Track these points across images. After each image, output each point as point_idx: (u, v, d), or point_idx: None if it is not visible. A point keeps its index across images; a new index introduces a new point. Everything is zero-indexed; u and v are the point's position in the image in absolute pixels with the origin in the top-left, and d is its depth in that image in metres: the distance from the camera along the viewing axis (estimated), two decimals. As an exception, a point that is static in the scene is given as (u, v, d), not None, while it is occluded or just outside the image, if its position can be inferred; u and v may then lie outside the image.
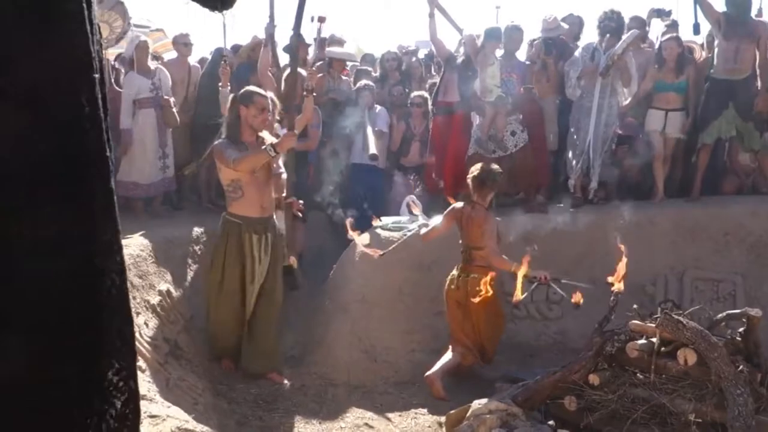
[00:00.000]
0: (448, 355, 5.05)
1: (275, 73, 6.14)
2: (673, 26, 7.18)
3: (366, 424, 4.48)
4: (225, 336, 4.96)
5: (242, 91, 4.85)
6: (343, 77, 7.89)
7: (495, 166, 5.33)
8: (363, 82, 7.35)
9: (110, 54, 6.87)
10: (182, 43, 7.02)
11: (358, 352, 5.25)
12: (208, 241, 5.80)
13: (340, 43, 8.05)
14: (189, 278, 5.52)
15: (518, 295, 4.44)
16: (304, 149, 6.47)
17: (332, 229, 6.74)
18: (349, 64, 8.27)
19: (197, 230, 5.90)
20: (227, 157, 4.59)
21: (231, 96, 4.84)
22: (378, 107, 7.25)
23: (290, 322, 5.83)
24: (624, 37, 6.55)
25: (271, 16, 6.28)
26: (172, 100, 6.47)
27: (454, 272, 5.17)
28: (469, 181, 5.23)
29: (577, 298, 4.19)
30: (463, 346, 5.05)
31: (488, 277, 4.71)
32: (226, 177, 4.74)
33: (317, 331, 5.49)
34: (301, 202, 5.57)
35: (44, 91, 1.32)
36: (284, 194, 5.35)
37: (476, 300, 4.66)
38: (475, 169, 5.22)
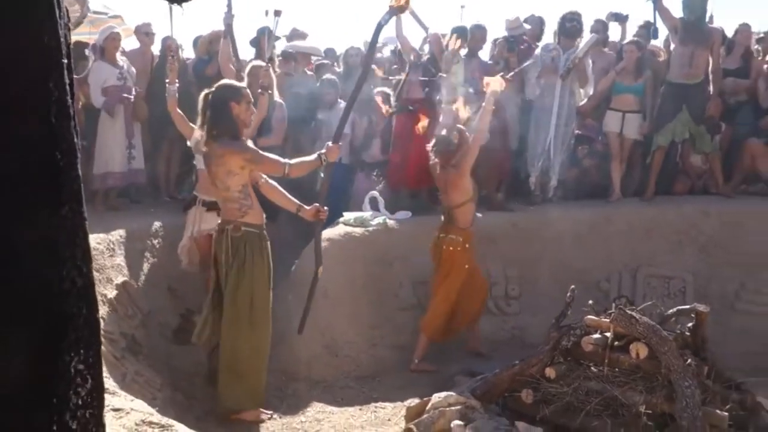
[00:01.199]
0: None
1: (236, 65, 6.06)
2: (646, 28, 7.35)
3: (326, 418, 4.51)
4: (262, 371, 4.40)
5: (225, 86, 4.31)
6: (308, 71, 7.88)
7: (444, 132, 5.54)
8: (327, 76, 7.35)
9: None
10: (144, 33, 6.91)
11: (320, 346, 5.26)
12: (166, 235, 5.75)
13: (302, 36, 8.03)
14: (147, 272, 5.46)
15: None
16: (268, 145, 6.37)
17: (295, 224, 6.73)
18: (314, 58, 8.26)
19: (156, 224, 5.83)
20: (279, 163, 4.24)
21: (216, 93, 4.23)
22: (342, 102, 7.26)
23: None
24: (585, 40, 6.70)
25: (229, 6, 6.12)
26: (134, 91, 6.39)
27: (436, 233, 5.47)
28: (431, 154, 5.55)
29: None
30: (434, 307, 5.36)
31: (462, 239, 5.20)
32: (238, 182, 4.17)
33: (278, 326, 5.45)
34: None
35: (12, 76, 1.31)
36: None
37: (450, 251, 5.09)
38: (432, 143, 5.57)
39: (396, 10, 4.63)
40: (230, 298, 4.20)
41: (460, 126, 5.50)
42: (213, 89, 4.25)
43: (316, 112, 7.09)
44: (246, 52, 7.49)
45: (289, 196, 4.59)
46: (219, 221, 4.40)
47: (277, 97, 6.27)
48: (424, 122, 5.76)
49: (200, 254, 5.30)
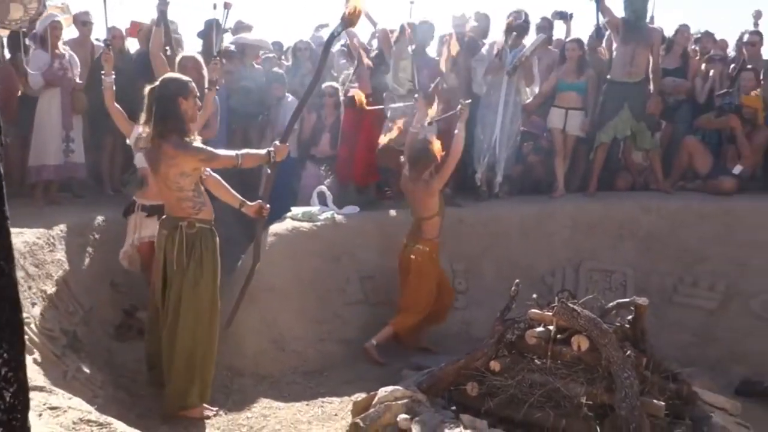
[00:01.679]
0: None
1: (170, 56, 5.79)
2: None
3: (273, 414, 4.49)
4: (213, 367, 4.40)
5: (172, 80, 4.17)
6: (256, 65, 7.80)
7: (426, 142, 5.58)
8: (275, 70, 7.28)
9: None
10: (81, 22, 6.70)
11: (267, 341, 5.23)
12: (109, 229, 5.61)
13: (248, 29, 7.92)
14: (89, 267, 5.33)
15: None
16: (205, 138, 6.08)
17: (240, 219, 6.67)
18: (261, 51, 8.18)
19: (99, 218, 5.69)
20: (231, 156, 4.19)
21: (163, 87, 4.08)
22: (290, 97, 7.21)
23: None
24: (533, 39, 6.81)
25: None
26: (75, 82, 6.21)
27: (404, 240, 5.58)
28: (403, 159, 5.63)
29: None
30: (401, 310, 5.48)
31: (429, 249, 5.29)
32: (191, 181, 4.11)
33: (224, 320, 5.41)
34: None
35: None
36: None
37: (413, 260, 5.13)
38: (408, 147, 5.63)
39: (348, 23, 4.63)
40: (189, 296, 4.13)
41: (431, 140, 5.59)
42: (158, 83, 4.11)
43: (264, 107, 7.01)
44: (194, 44, 7.37)
45: (233, 192, 4.57)
46: (161, 223, 4.32)
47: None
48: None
49: (142, 260, 5.16)
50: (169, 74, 4.42)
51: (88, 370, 4.37)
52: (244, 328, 5.24)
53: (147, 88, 4.14)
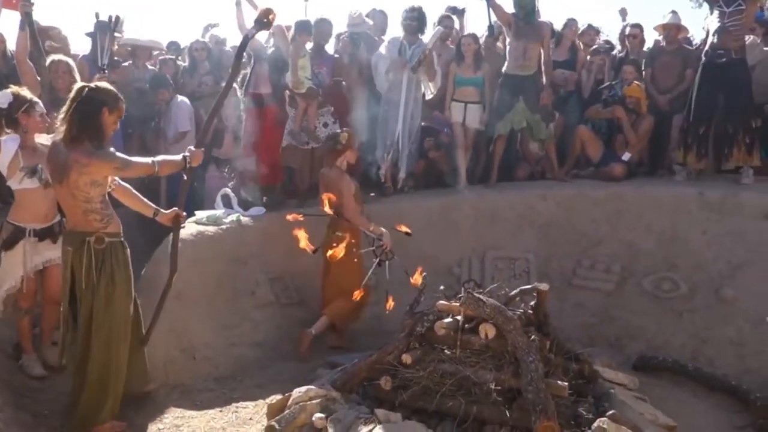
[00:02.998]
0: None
1: (37, 59, 5.46)
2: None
3: (185, 423, 4.39)
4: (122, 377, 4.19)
5: (105, 90, 3.98)
6: (149, 66, 7.57)
7: (338, 131, 5.82)
8: (155, 72, 7.09)
9: None
10: None
11: (176, 350, 5.09)
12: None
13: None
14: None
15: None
16: None
17: (142, 226, 6.46)
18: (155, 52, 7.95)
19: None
20: (147, 164, 4.03)
21: (91, 93, 3.88)
22: (180, 98, 7.03)
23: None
24: (432, 32, 6.93)
25: None
26: None
27: (325, 230, 5.56)
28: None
29: (416, 278, 4.36)
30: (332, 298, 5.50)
31: (347, 238, 5.07)
32: (100, 192, 3.95)
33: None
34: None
35: None
36: None
37: (330, 253, 4.86)
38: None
39: (264, 25, 4.55)
40: (102, 314, 3.97)
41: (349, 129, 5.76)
42: (89, 88, 3.92)
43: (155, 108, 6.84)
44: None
45: (145, 200, 4.43)
46: (64, 238, 4.11)
47: None
48: None
49: (47, 289, 4.73)
50: (103, 84, 4.15)
51: (-18, 394, 4.14)
52: (152, 337, 5.08)
53: (75, 87, 3.95)
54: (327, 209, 4.71)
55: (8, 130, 4.46)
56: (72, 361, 4.13)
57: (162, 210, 4.43)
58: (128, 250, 4.15)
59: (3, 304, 4.64)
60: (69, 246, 4.02)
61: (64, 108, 3.88)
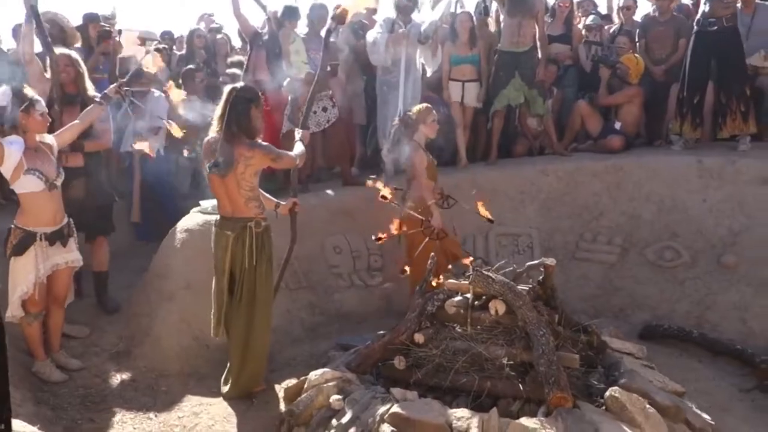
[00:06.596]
0: None
1: (47, 54, 5.35)
2: None
3: (204, 411, 4.47)
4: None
5: (249, 89, 4.46)
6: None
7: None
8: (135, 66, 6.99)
9: None
10: None
11: (189, 339, 5.16)
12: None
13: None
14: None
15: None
16: (96, 149, 5.54)
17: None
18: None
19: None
20: (290, 155, 4.56)
21: (240, 91, 4.30)
22: (156, 92, 6.92)
23: (111, 317, 5.61)
24: (442, 3, 6.94)
25: None
26: None
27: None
28: None
29: (483, 213, 4.43)
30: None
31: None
32: (257, 181, 4.47)
33: (142, 322, 5.31)
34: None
35: None
36: None
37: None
38: None
39: (338, 18, 5.27)
40: (263, 291, 4.44)
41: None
42: (238, 88, 4.33)
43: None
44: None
45: (266, 194, 4.72)
46: (222, 224, 4.44)
47: (92, 90, 5.48)
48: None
49: (54, 292, 4.73)
50: (245, 84, 4.74)
51: (4, 390, 4.19)
52: (165, 328, 5.17)
53: (227, 87, 4.37)
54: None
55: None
56: (233, 333, 4.53)
57: (281, 202, 4.87)
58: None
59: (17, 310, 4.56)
60: (229, 231, 4.38)
61: (218, 109, 4.30)
